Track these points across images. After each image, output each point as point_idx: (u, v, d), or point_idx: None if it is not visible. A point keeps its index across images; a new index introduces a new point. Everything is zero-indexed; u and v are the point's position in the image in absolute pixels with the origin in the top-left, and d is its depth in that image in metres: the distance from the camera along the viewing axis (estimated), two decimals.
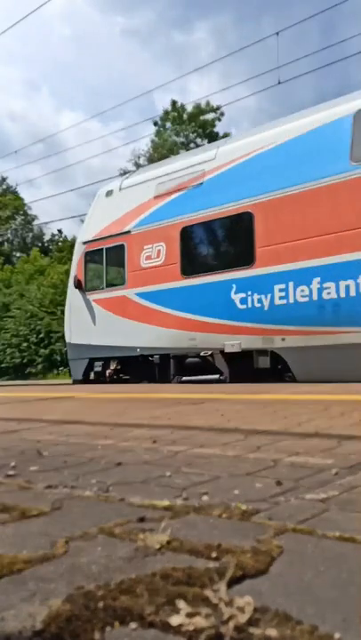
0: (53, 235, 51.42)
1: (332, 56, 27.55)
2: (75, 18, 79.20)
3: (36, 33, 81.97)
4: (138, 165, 33.67)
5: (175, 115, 34.35)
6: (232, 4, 66.22)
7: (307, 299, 8.74)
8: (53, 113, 71.37)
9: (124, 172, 29.41)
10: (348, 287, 8.32)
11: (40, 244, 49.19)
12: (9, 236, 51.29)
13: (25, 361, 27.37)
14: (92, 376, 12.22)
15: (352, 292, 8.26)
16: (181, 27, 67.25)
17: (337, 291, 8.43)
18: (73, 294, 12.67)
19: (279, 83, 14.99)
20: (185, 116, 34.30)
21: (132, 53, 74.14)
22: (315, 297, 8.65)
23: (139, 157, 35.15)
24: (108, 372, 11.81)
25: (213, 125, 34.63)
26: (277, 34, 14.79)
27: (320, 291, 8.60)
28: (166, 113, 34.43)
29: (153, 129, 35.01)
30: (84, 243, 12.60)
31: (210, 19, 64.18)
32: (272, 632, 0.77)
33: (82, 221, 16.53)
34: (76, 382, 12.46)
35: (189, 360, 10.35)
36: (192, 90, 50.10)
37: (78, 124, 68.68)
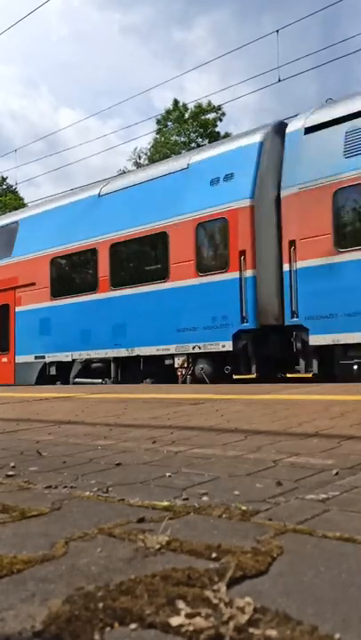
0: None
1: (332, 54, 27.66)
2: (72, 16, 79.03)
3: (33, 31, 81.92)
4: (138, 165, 33.59)
5: (177, 114, 34.32)
6: (233, 0, 66.15)
7: None
8: (53, 111, 71.36)
9: (124, 172, 29.34)
10: None
11: None
12: None
13: None
14: None
15: None
16: (181, 23, 67.16)
17: None
18: None
19: (279, 80, 14.93)
20: (186, 115, 34.30)
21: (130, 51, 74.09)
22: None
23: (139, 157, 35.11)
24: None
25: (215, 125, 34.63)
26: (277, 32, 14.71)
27: None
28: (168, 112, 34.41)
29: (152, 127, 35.09)
30: None
31: (209, 15, 64.10)
32: (272, 632, 0.77)
33: None
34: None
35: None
36: (191, 88, 50.03)
37: (77, 123, 68.68)
